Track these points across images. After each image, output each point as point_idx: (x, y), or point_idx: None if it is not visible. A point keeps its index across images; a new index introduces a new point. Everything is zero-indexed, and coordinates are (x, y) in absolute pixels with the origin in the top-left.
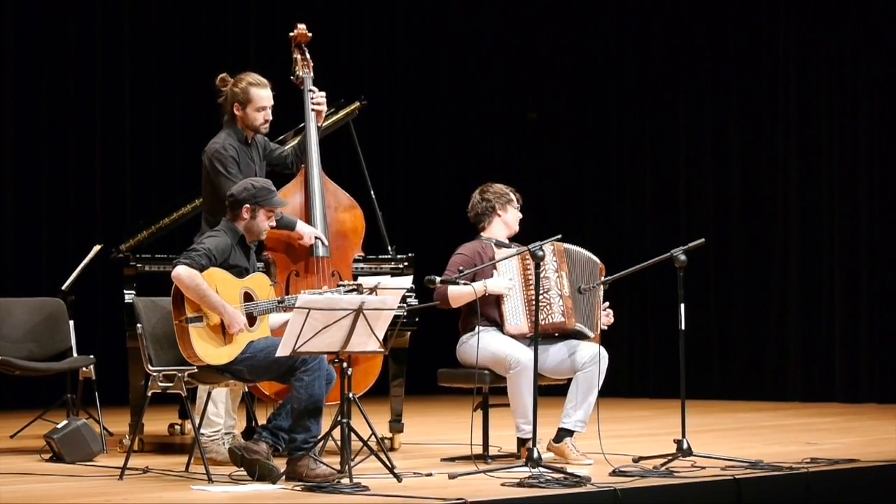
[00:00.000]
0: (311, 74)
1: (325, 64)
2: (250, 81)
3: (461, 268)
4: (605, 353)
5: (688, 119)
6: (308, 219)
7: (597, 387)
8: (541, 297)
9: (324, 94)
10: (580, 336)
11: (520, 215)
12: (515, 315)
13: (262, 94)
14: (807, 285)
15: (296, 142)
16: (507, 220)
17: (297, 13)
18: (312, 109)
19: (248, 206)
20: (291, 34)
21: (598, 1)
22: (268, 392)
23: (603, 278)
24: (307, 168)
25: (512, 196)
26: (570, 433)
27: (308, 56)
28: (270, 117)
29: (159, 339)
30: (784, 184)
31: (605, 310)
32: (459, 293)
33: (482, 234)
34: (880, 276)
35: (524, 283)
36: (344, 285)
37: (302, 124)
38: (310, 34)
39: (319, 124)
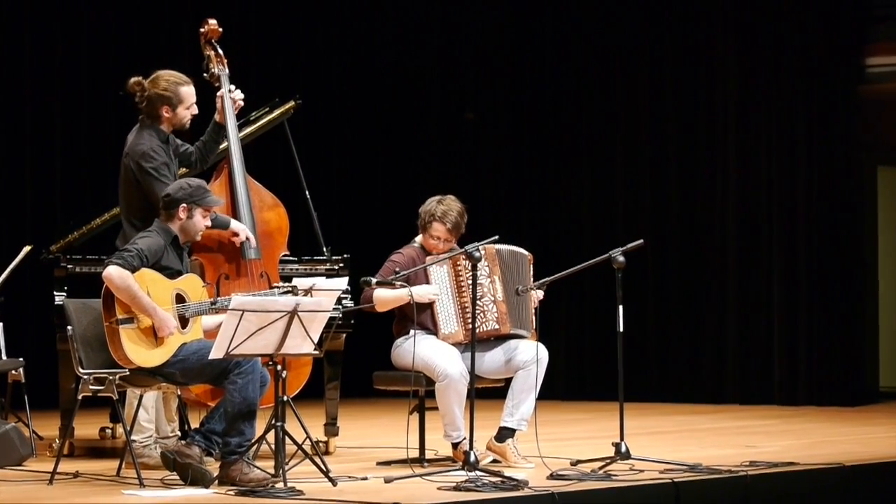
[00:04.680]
0: (227, 71)
1: (258, 62)
2: (175, 81)
3: (397, 269)
4: (544, 352)
5: (626, 117)
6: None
7: (537, 386)
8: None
9: (241, 94)
10: (517, 337)
11: (437, 243)
12: (448, 322)
13: (190, 92)
14: (745, 286)
15: (202, 138)
16: (426, 239)
17: (229, 9)
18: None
19: (184, 205)
20: (202, 30)
21: None
22: (200, 394)
23: (541, 280)
24: (230, 168)
25: (434, 222)
26: (511, 432)
27: (221, 52)
28: (196, 111)
29: (90, 342)
30: (722, 184)
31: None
32: (386, 297)
33: (416, 239)
34: (819, 276)
35: (456, 288)
36: (279, 287)
37: (209, 127)
38: (220, 29)
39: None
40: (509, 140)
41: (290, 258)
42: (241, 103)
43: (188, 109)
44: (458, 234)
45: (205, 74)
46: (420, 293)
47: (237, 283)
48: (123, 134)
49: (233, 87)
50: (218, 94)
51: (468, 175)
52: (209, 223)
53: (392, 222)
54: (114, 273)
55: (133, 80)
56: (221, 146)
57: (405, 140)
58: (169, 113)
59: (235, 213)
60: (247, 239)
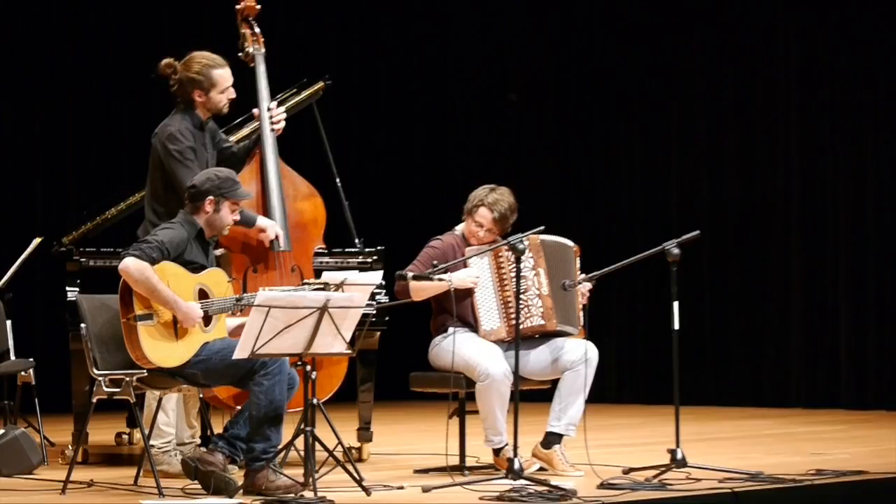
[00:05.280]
0: (263, 50)
1: (287, 40)
2: (207, 63)
3: (435, 262)
4: (594, 351)
5: (680, 99)
6: (265, 210)
7: (586, 388)
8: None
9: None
10: (563, 335)
11: (480, 231)
12: (490, 318)
13: (225, 75)
14: (809, 282)
15: (243, 136)
16: (468, 225)
17: None
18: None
19: (211, 197)
20: (238, 7)
21: None
22: (224, 398)
23: (590, 274)
24: (262, 154)
25: (482, 207)
26: (559, 438)
27: (258, 31)
28: (234, 95)
29: (105, 341)
30: (785, 173)
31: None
32: (423, 285)
33: (457, 227)
34: (888, 271)
35: (499, 282)
36: (309, 283)
37: (245, 116)
38: (258, 6)
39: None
40: (555, 123)
41: (321, 250)
42: (281, 126)
43: (223, 93)
44: (503, 229)
45: (239, 54)
46: (460, 278)
47: (266, 277)
48: (143, 117)
49: (273, 104)
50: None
51: (511, 161)
52: (238, 217)
53: (430, 212)
54: (131, 265)
55: (165, 61)
56: (252, 127)
57: (444, 123)
58: (202, 97)
59: (266, 203)
60: (276, 238)
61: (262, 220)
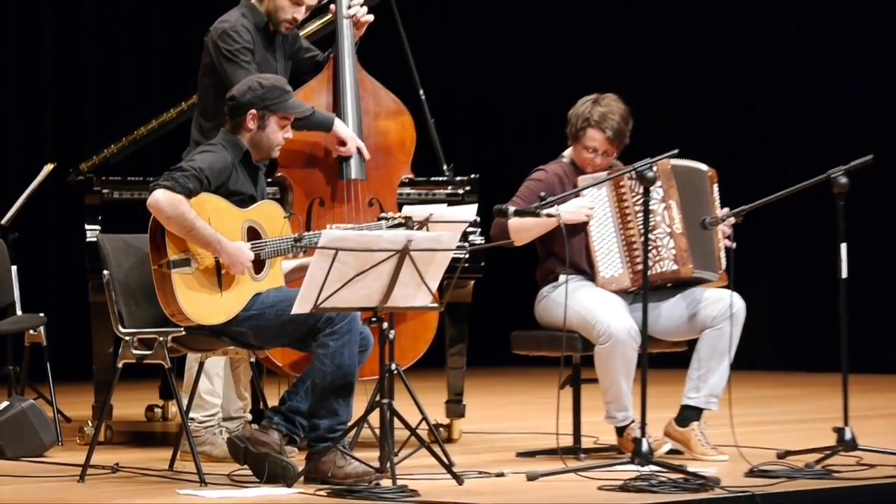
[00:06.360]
0: None
1: None
2: None
3: (542, 193)
4: (740, 302)
5: None
6: None
7: (731, 350)
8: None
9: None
10: (700, 282)
11: (593, 157)
12: (610, 263)
13: None
14: None
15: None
16: (578, 152)
17: None
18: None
19: (253, 111)
20: None
21: None
22: (280, 363)
23: (737, 209)
24: (337, 58)
25: (589, 128)
26: (698, 413)
27: None
28: (301, 16)
29: (133, 291)
30: None
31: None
32: (526, 223)
33: (564, 153)
34: None
35: (620, 218)
36: (387, 218)
37: (319, 5)
38: None
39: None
40: (682, 14)
41: (403, 180)
42: (367, 17)
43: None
44: (620, 146)
45: None
46: (571, 210)
47: (335, 212)
48: (182, 9)
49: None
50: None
51: (629, 66)
52: (289, 135)
53: (531, 133)
54: (162, 198)
55: None
56: (326, 19)
57: (548, 20)
58: None
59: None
60: (358, 152)
61: (341, 126)
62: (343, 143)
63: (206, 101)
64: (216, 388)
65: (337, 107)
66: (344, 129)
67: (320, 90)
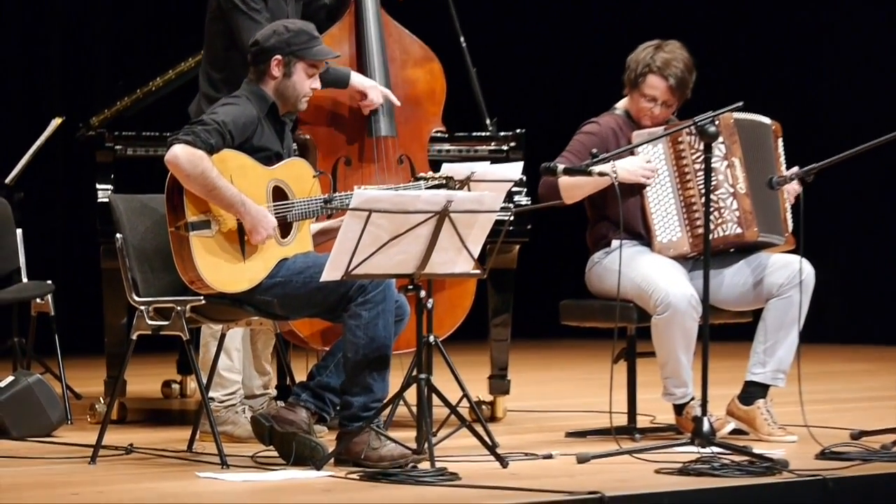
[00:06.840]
0: None
1: None
2: None
3: (594, 150)
4: (809, 269)
5: None
6: None
7: (800, 320)
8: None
9: None
10: (766, 247)
11: (652, 107)
12: (668, 227)
13: None
14: None
15: None
16: (635, 102)
17: None
18: None
19: (279, 56)
20: None
21: None
22: (307, 335)
23: (806, 168)
24: (359, 3)
25: (650, 74)
26: (764, 390)
27: None
28: None
29: (149, 256)
30: None
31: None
32: (577, 181)
33: (618, 105)
34: None
35: (679, 177)
36: (425, 178)
37: None
38: None
39: None
40: None
41: (440, 135)
42: None
43: None
44: (681, 98)
45: None
46: (628, 168)
47: (363, 171)
48: None
49: None
50: None
51: (688, 12)
52: (318, 84)
53: (581, 82)
54: (181, 154)
55: None
56: None
57: None
58: None
59: (363, 69)
60: (381, 105)
61: (358, 79)
62: (365, 96)
63: (216, 52)
64: (235, 364)
65: (361, 56)
66: (362, 80)
67: (342, 38)
